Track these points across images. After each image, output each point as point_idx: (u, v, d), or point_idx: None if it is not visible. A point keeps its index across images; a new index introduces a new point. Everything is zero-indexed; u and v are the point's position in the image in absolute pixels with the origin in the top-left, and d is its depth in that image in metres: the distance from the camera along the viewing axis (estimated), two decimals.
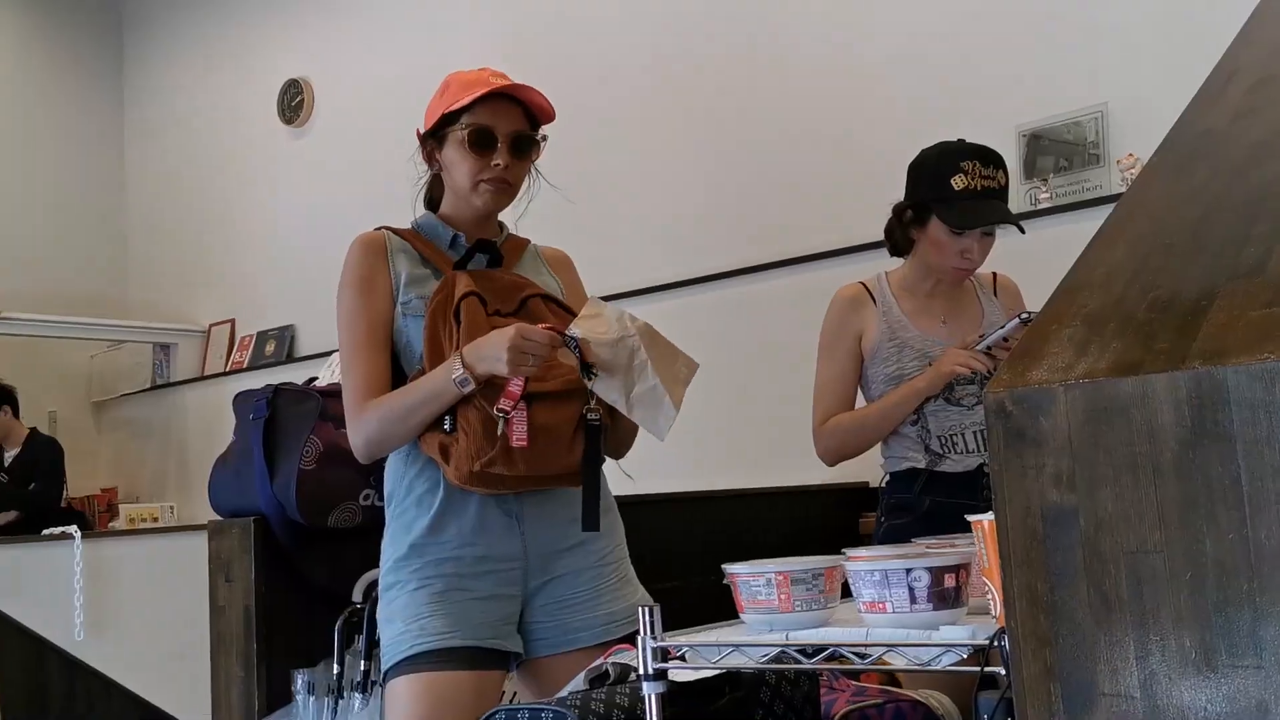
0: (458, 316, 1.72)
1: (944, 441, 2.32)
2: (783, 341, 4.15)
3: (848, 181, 4.10)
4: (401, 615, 1.74)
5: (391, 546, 1.81)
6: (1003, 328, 2.24)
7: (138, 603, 3.79)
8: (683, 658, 1.29)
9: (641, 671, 1.29)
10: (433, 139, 1.88)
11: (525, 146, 1.84)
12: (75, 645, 3.60)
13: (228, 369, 6.44)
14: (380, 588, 1.82)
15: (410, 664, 1.71)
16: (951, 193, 2.27)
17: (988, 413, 0.98)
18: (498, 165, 1.80)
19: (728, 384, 4.35)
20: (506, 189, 1.84)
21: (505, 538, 1.76)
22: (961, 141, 2.35)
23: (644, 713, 1.32)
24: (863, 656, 1.19)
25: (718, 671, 1.37)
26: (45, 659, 3.44)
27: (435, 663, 1.69)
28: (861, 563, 1.22)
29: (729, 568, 1.32)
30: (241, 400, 2.44)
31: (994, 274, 2.51)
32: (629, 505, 2.73)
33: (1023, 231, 2.38)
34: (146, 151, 7.26)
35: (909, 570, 1.18)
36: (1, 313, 6.07)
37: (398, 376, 1.81)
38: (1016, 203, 3.66)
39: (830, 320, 2.44)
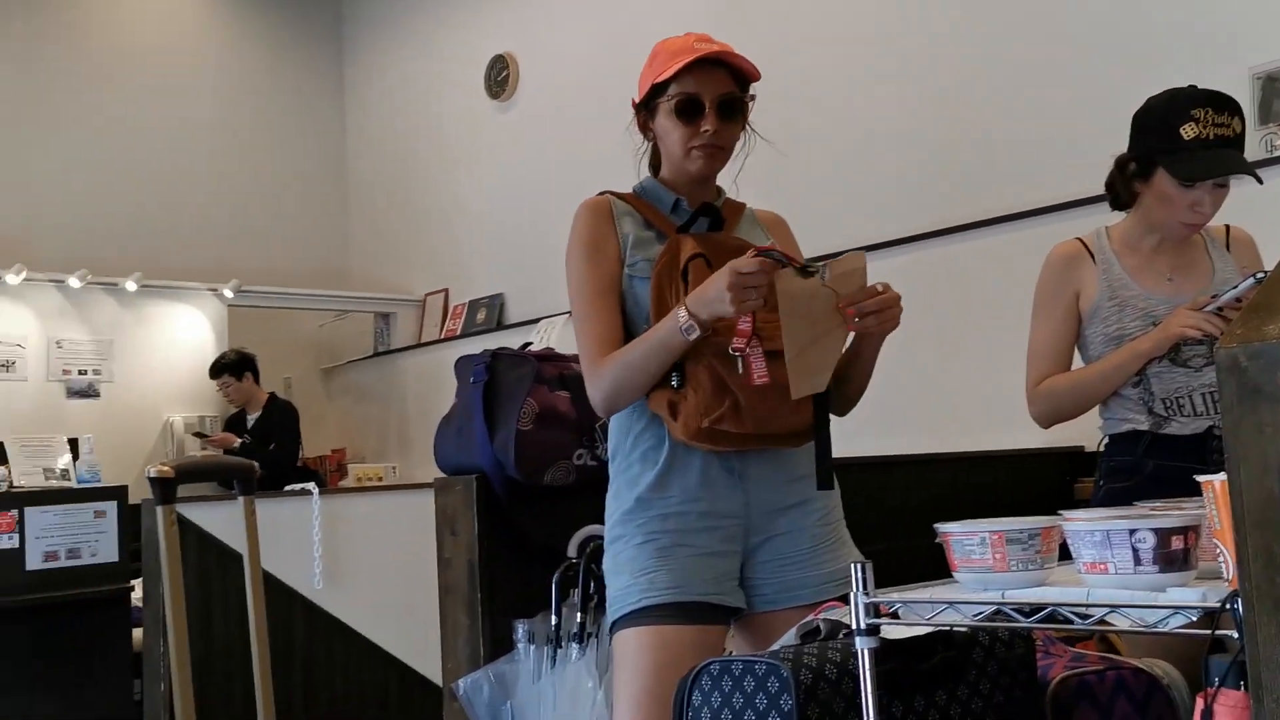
0: (685, 278, 1.76)
1: (1169, 404, 2.22)
2: (993, 301, 4.03)
3: (1058, 135, 3.93)
4: (629, 568, 1.80)
5: (616, 501, 1.86)
6: (1236, 287, 2.09)
7: (369, 555, 4.05)
8: (895, 614, 1.30)
9: (854, 626, 1.30)
10: (645, 109, 1.92)
11: (733, 109, 1.86)
12: (315, 593, 3.88)
13: (442, 336, 6.75)
14: (606, 540, 1.88)
15: (638, 617, 1.76)
16: (1181, 143, 2.14)
17: (1220, 369, 0.95)
18: (706, 131, 1.83)
19: (936, 345, 4.26)
20: (718, 153, 1.87)
21: (728, 494, 1.80)
22: (1192, 87, 2.21)
23: (856, 668, 1.33)
24: (1083, 618, 1.17)
25: (930, 630, 1.37)
26: (291, 605, 3.73)
27: (663, 617, 1.74)
28: (1080, 523, 1.20)
29: (941, 527, 1.32)
30: (462, 365, 2.57)
31: (1226, 226, 2.35)
32: (837, 467, 2.73)
33: (1260, 181, 2.24)
34: (365, 131, 7.65)
35: (1133, 531, 1.15)
36: (243, 286, 6.54)
37: (627, 338, 1.85)
38: (1251, 150, 3.42)
39: (1045, 279, 2.37)
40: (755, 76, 1.89)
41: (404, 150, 7.28)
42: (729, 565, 1.81)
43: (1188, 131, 2.15)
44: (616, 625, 1.81)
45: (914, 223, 4.34)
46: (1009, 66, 4.14)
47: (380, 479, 6.26)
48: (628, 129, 1.98)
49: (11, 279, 5.76)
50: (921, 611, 1.27)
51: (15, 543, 3.96)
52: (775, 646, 1.55)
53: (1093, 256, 2.33)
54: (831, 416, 1.82)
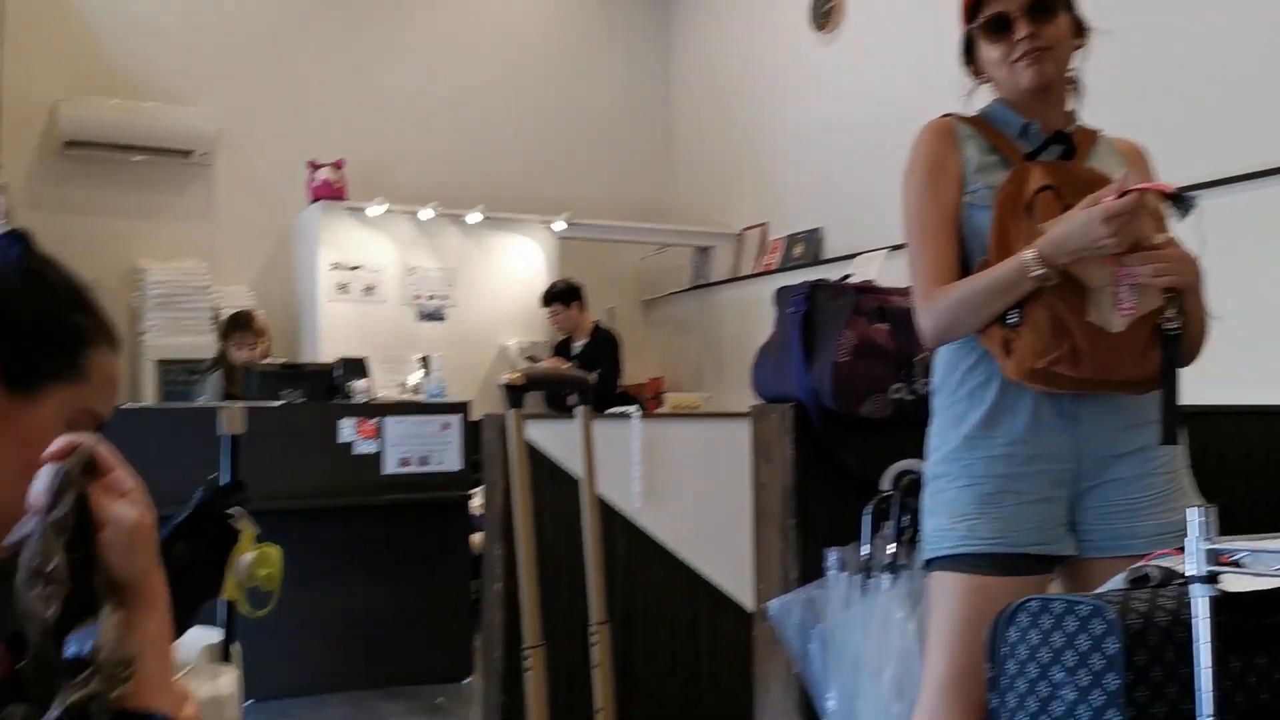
0: (1030, 211, 1.68)
1: None
2: None
3: None
4: (947, 510, 1.76)
5: (940, 438, 1.82)
6: None
7: (684, 478, 4.21)
8: (1238, 564, 1.23)
9: (1190, 573, 1.24)
10: (967, 50, 1.86)
11: (1044, 9, 1.75)
12: (634, 512, 4.08)
13: (759, 270, 6.82)
14: (927, 476, 1.85)
15: (953, 562, 1.74)
16: None
17: None
18: (1021, 40, 1.74)
19: None
20: (1044, 55, 1.75)
21: (1058, 438, 1.73)
22: None
23: (1189, 617, 1.27)
24: None
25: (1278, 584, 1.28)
26: (612, 521, 3.94)
27: (980, 567, 1.71)
28: None
29: None
30: (782, 295, 2.61)
31: None
32: (1182, 415, 2.56)
33: None
34: (689, 67, 7.77)
35: None
36: (573, 219, 6.89)
37: (961, 269, 1.80)
38: None
39: None
40: None
41: (727, 84, 7.35)
42: (1056, 512, 1.74)
43: None
44: (930, 564, 1.80)
45: None
46: None
47: (696, 407, 6.45)
48: (959, 62, 1.91)
49: (373, 210, 6.35)
50: (1272, 562, 1.20)
51: (375, 448, 4.41)
52: (1099, 590, 1.50)
53: None
54: None
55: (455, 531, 4.63)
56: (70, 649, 0.75)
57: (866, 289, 2.50)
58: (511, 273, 6.78)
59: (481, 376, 6.52)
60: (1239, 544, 1.23)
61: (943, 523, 1.77)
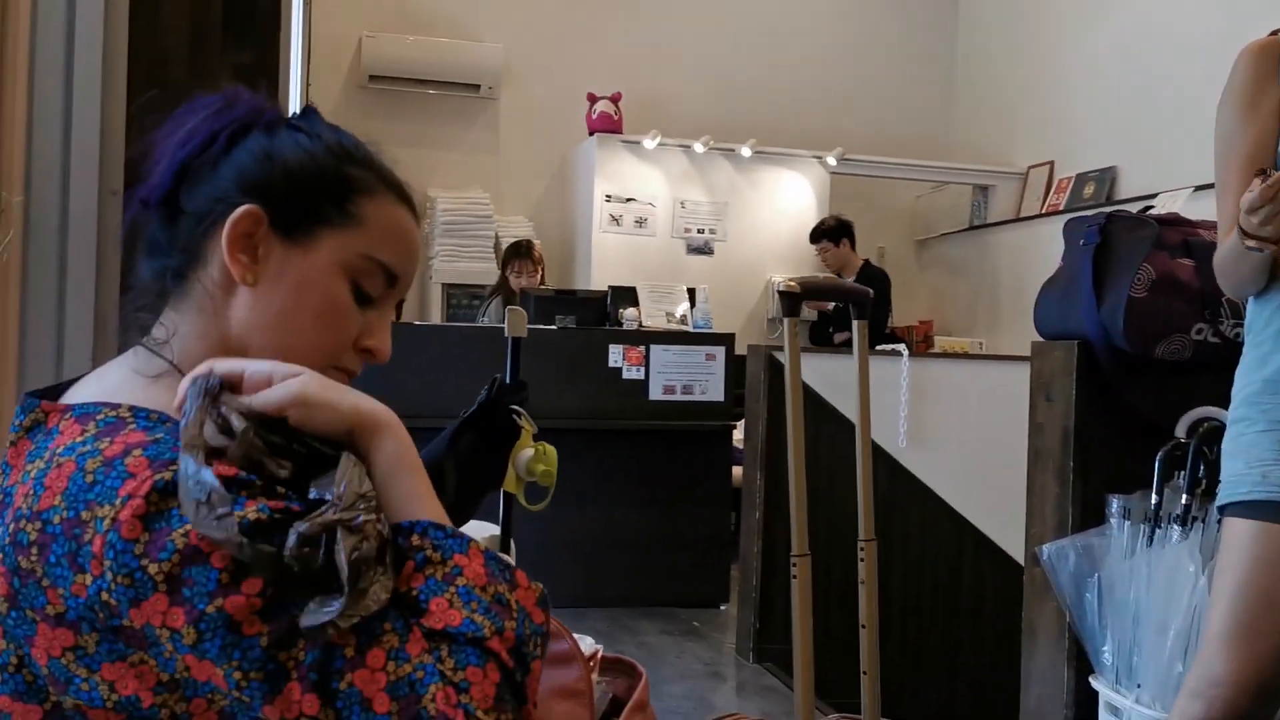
0: None
1: None
2: None
3: None
4: (1245, 454, 1.66)
5: (1243, 379, 1.71)
6: None
7: (953, 421, 4.09)
8: None
9: None
10: None
11: None
12: (899, 451, 4.01)
13: (1043, 211, 6.46)
14: (1229, 419, 1.73)
15: (1249, 509, 1.64)
16: None
17: None
18: None
19: None
20: None
21: None
22: None
23: None
24: None
25: None
26: (876, 461, 3.88)
27: (1275, 515, 1.60)
28: None
29: None
30: (1073, 226, 2.46)
31: None
32: None
33: None
34: (976, 5, 7.40)
35: None
36: (846, 154, 6.74)
37: None
38: None
39: None
40: None
41: (1015, 10, 6.95)
42: None
43: None
44: (1224, 510, 1.69)
45: None
46: None
47: (965, 352, 6.22)
48: None
49: (648, 144, 6.44)
50: None
51: (641, 374, 4.52)
52: None
53: None
54: None
55: (717, 461, 4.69)
56: (311, 494, 0.76)
57: (1171, 221, 2.32)
58: (781, 208, 6.73)
59: (748, 311, 6.54)
60: None
61: (1239, 467, 1.66)
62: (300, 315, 0.88)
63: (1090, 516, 2.29)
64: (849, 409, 3.88)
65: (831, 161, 6.72)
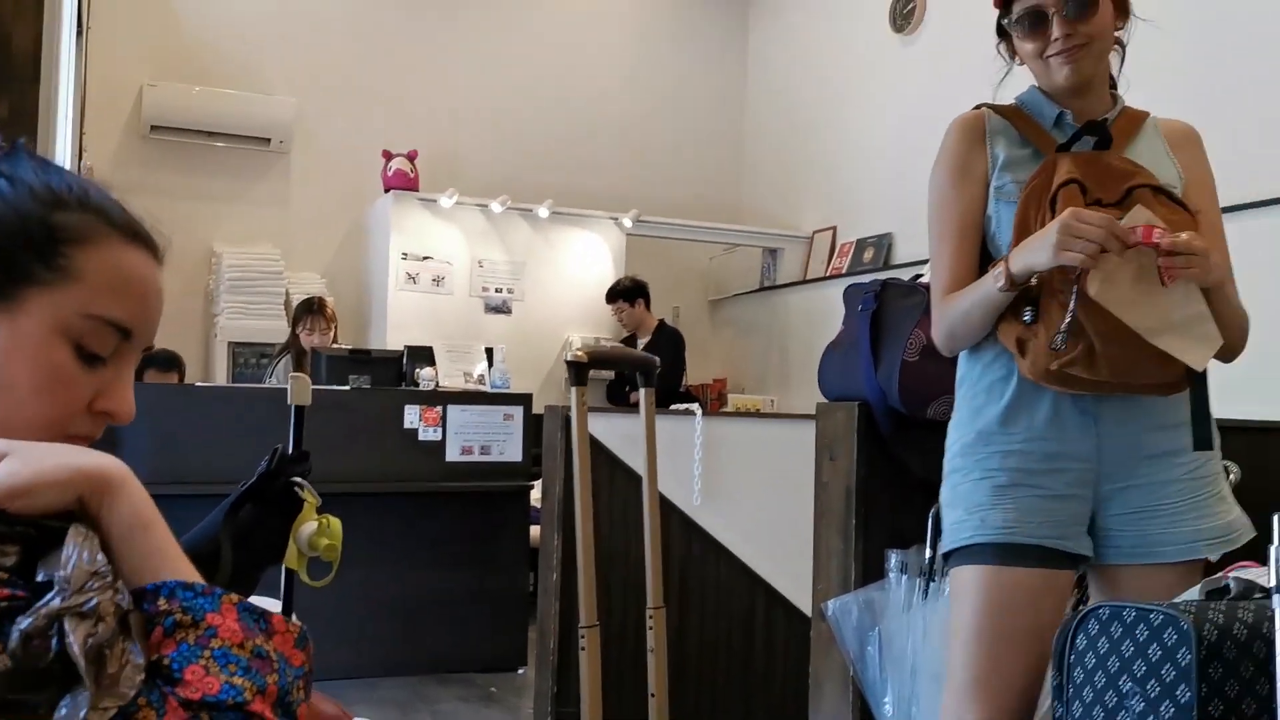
0: (1054, 205, 1.60)
1: None
2: None
3: None
4: (963, 503, 1.72)
5: (957, 431, 1.77)
6: None
7: (745, 478, 4.18)
8: None
9: (1271, 584, 1.20)
10: (1002, 36, 1.81)
11: (1080, 5, 1.66)
12: (693, 509, 4.07)
13: (827, 274, 6.76)
14: (945, 471, 1.79)
15: (970, 554, 1.69)
16: None
17: None
18: (1056, 38, 1.67)
19: None
20: (1080, 51, 1.67)
21: (1079, 436, 1.66)
22: None
23: (1271, 632, 1.23)
24: None
25: None
26: (670, 518, 3.93)
27: (997, 557, 1.66)
28: None
29: None
30: (852, 292, 2.58)
31: None
32: (1251, 431, 2.49)
33: None
34: (766, 67, 7.74)
35: None
36: (641, 216, 6.88)
37: (985, 264, 1.74)
38: None
39: None
40: None
41: (803, 84, 7.30)
42: (1076, 510, 1.67)
43: None
44: (949, 559, 1.75)
45: None
46: None
47: (758, 410, 6.41)
48: (995, 44, 1.84)
49: (445, 202, 6.41)
50: None
51: (438, 435, 4.45)
52: (1178, 600, 1.46)
53: None
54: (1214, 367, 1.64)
55: (514, 522, 4.65)
56: (39, 576, 0.69)
57: None
58: (578, 268, 6.80)
59: (546, 370, 6.55)
60: None
61: (959, 516, 1.72)
62: (14, 390, 0.79)
63: (872, 571, 2.37)
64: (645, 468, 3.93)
65: (627, 223, 6.85)
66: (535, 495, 4.60)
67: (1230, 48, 4.37)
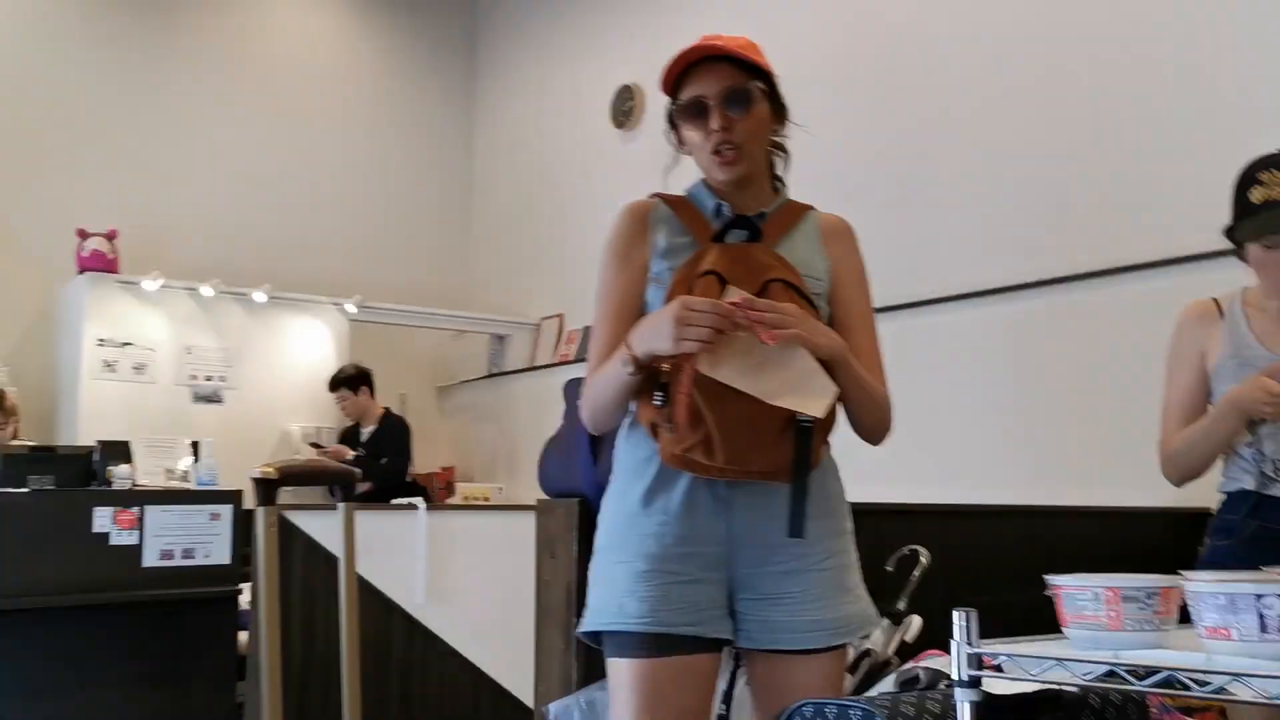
0: (691, 294, 1.64)
1: (1278, 466, 2.18)
2: (1117, 354, 3.90)
3: (1192, 185, 3.78)
4: (605, 585, 1.72)
5: (605, 509, 1.79)
6: None
7: (471, 573, 4.09)
8: (999, 668, 1.25)
9: (955, 678, 1.25)
10: (672, 126, 1.87)
11: (739, 100, 1.75)
12: (416, 607, 3.93)
13: (555, 360, 6.81)
14: (595, 548, 1.79)
15: (615, 643, 1.70)
16: (1250, 207, 2.15)
17: None
18: (715, 131, 1.74)
19: (1053, 396, 4.13)
20: (734, 153, 1.75)
21: (710, 521, 1.69)
22: (1269, 153, 2.18)
23: None
24: (1202, 685, 1.10)
25: (1037, 687, 1.31)
26: (391, 617, 3.78)
27: (639, 648, 1.66)
28: (1204, 585, 1.13)
29: (1053, 579, 1.27)
30: (571, 387, 2.57)
31: None
32: (937, 514, 2.66)
33: None
34: (492, 156, 7.80)
35: (1260, 596, 1.08)
36: (365, 302, 6.72)
37: None
38: None
39: (1176, 335, 2.36)
40: (761, 62, 1.80)
41: (528, 176, 7.40)
42: (713, 594, 1.69)
43: (1255, 195, 2.15)
44: (604, 645, 1.74)
45: (1036, 268, 4.22)
46: (1141, 122, 4.01)
47: (487, 499, 6.32)
48: (664, 132, 1.90)
49: (149, 285, 6.02)
50: (1028, 667, 1.22)
51: (135, 539, 4.10)
52: (872, 692, 1.51)
53: (1222, 315, 2.31)
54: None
55: (222, 629, 4.32)
56: None
57: None
58: (298, 355, 6.53)
59: (262, 462, 6.20)
60: (999, 647, 1.25)
61: (601, 596, 1.72)
62: None
63: (595, 671, 2.34)
64: (371, 570, 3.78)
65: (351, 308, 6.67)
66: (245, 600, 4.32)
67: (896, 158, 4.77)
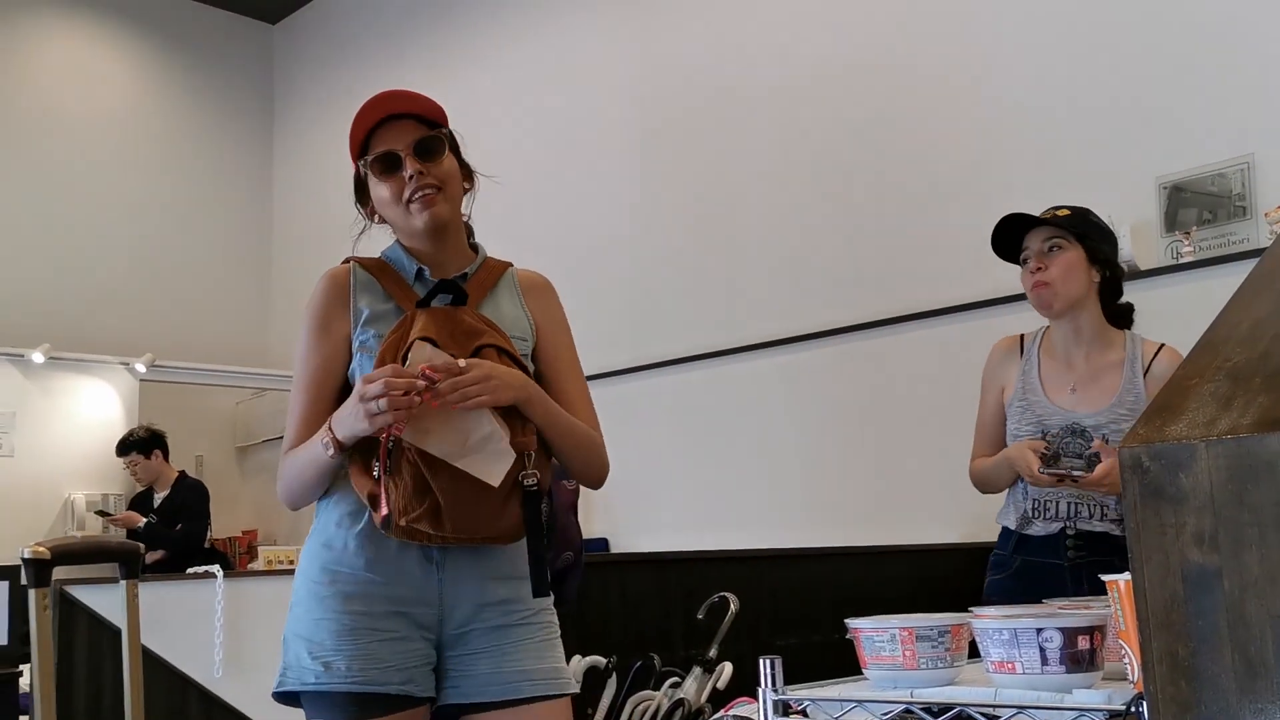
0: (404, 362, 1.63)
1: (1036, 506, 2.39)
2: (911, 396, 4.09)
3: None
4: (307, 643, 1.66)
5: (307, 559, 1.73)
6: (1074, 469, 2.25)
7: (274, 642, 3.90)
8: (804, 712, 1.27)
9: None
10: (360, 189, 1.88)
11: (430, 149, 1.78)
12: (214, 682, 3.71)
13: None
14: (291, 600, 1.73)
15: (323, 705, 1.64)
16: (994, 234, 2.44)
17: (1123, 468, 0.95)
18: (412, 176, 1.76)
19: (846, 440, 4.29)
20: (435, 193, 1.76)
21: (422, 582, 1.67)
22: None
23: None
24: (991, 718, 1.15)
25: None
26: (187, 694, 3.56)
27: (346, 709, 1.62)
28: (989, 621, 1.19)
29: (851, 622, 1.30)
30: None
31: (1160, 347, 2.41)
32: (744, 560, 2.72)
33: (1043, 222, 2.39)
34: (292, 209, 7.60)
35: (1040, 630, 1.14)
36: (156, 361, 6.39)
37: None
38: (1157, 256, 3.55)
39: (986, 364, 2.56)
40: (439, 110, 1.84)
41: (329, 230, 7.20)
42: (421, 652, 1.68)
43: (995, 231, 2.44)
44: (305, 705, 1.67)
45: (837, 315, 4.40)
46: (927, 174, 4.25)
47: (292, 562, 6.07)
48: (353, 201, 1.91)
49: None
50: (830, 710, 1.25)
51: None
52: None
53: (1023, 354, 2.49)
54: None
55: (1, 715, 3.99)
56: None
57: None
58: (83, 418, 6.15)
59: (43, 533, 5.79)
60: (802, 692, 1.28)
61: (302, 654, 1.66)
62: None
63: None
64: (163, 644, 3.56)
65: (140, 368, 6.33)
66: (26, 681, 4.00)
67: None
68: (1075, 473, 2.23)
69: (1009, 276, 3.59)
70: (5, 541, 5.22)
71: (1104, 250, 2.38)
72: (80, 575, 3.72)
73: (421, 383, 1.56)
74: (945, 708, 1.17)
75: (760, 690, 1.29)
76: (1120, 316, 2.43)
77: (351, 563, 1.66)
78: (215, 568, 3.98)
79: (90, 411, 6.17)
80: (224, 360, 6.87)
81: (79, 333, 6.34)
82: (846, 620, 1.31)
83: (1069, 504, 2.36)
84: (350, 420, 1.60)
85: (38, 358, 5.95)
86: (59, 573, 2.35)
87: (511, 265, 1.91)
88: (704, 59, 5.07)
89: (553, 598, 1.78)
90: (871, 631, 1.26)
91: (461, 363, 1.60)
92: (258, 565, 6.09)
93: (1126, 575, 1.07)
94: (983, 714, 1.15)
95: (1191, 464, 0.91)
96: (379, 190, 1.80)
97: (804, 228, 4.62)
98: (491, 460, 1.61)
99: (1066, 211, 2.39)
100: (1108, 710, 1.07)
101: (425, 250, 1.81)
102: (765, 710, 1.27)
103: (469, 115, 6.54)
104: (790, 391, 4.52)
